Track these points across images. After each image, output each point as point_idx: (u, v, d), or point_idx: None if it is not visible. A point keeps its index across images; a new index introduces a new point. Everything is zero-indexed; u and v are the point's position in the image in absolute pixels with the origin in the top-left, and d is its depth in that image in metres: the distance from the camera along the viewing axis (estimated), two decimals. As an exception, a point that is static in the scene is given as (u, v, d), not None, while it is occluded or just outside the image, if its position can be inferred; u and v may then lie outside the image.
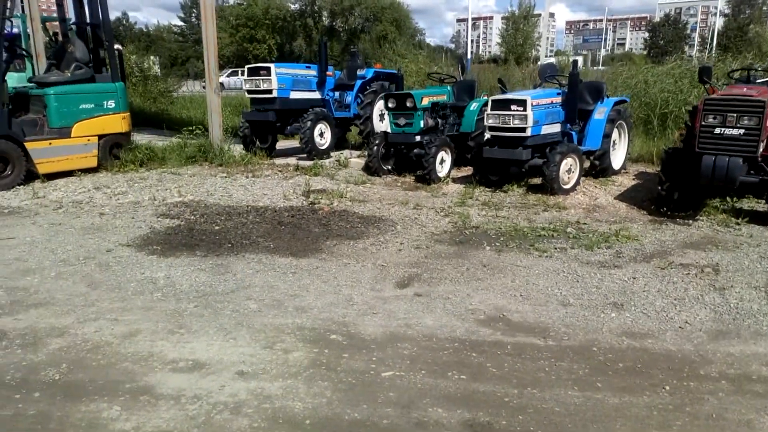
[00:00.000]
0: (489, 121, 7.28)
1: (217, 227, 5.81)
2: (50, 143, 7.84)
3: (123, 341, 3.33)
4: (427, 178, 7.97)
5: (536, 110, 7.07)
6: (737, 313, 3.77)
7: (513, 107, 7.06)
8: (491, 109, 7.25)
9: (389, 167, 8.68)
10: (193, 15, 59.82)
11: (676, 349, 3.29)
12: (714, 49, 42.75)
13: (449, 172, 8.37)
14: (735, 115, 5.67)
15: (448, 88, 9.18)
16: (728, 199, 6.77)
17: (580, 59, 17.19)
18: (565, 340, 3.40)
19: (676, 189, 6.38)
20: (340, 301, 3.97)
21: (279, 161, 9.51)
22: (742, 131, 5.67)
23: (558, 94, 7.66)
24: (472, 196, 7.22)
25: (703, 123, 5.87)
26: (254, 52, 46.79)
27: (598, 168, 8.20)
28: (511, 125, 7.08)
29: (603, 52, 66.00)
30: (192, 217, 6.14)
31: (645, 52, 61.19)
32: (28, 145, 7.60)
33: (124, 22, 65.73)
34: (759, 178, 5.94)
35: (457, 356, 3.20)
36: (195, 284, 4.25)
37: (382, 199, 7.09)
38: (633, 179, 8.42)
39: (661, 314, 3.76)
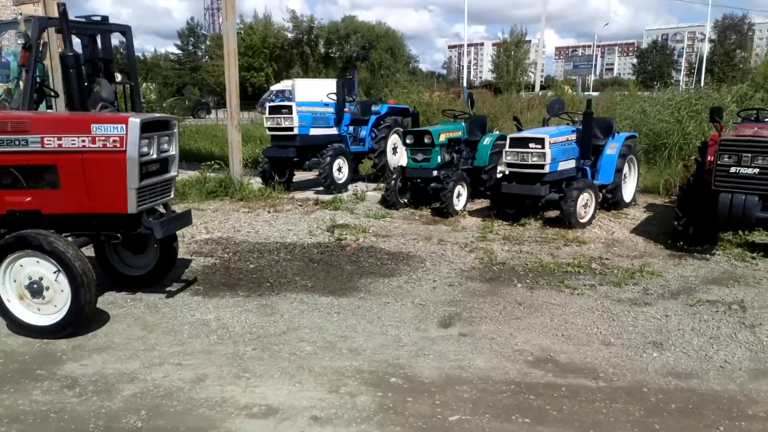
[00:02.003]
0: (507, 158, 7.54)
1: (251, 265, 5.96)
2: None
3: (193, 386, 3.46)
4: (444, 211, 8.18)
5: (554, 148, 7.34)
6: (772, 351, 3.96)
7: (531, 145, 7.32)
8: (509, 146, 7.52)
9: (406, 200, 8.90)
10: (190, 42, 60.59)
11: (721, 389, 3.46)
12: (703, 73, 43.87)
13: (465, 205, 8.59)
14: (750, 155, 5.95)
15: (462, 124, 9.47)
16: (740, 233, 7.02)
17: (592, 96, 17.54)
18: (615, 381, 3.57)
19: (692, 224, 6.62)
20: (390, 342, 4.12)
21: (298, 195, 9.71)
22: (757, 170, 5.94)
23: (573, 131, 7.95)
24: (491, 230, 7.43)
25: (719, 162, 6.14)
26: (251, 80, 47.33)
27: (610, 201, 8.46)
28: (530, 162, 7.34)
29: (592, 78, 67.33)
30: (225, 255, 6.29)
31: (634, 78, 62.61)
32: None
33: (122, 50, 66.30)
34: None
35: (516, 399, 3.35)
36: (246, 326, 4.39)
37: (405, 234, 7.28)
38: (644, 212, 8.68)
39: (700, 353, 3.94)
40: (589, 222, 7.62)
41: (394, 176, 8.74)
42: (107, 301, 4.89)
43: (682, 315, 4.61)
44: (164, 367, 3.71)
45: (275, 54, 50.85)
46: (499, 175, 8.74)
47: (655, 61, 78.59)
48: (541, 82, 38.45)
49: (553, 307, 4.79)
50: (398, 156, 10.60)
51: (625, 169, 8.63)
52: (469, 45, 44.20)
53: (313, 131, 9.69)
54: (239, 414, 3.17)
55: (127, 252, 5.18)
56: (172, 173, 4.65)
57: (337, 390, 3.44)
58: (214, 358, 3.84)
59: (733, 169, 6.06)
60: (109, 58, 8.83)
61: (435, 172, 8.45)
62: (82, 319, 4.09)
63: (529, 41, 61.51)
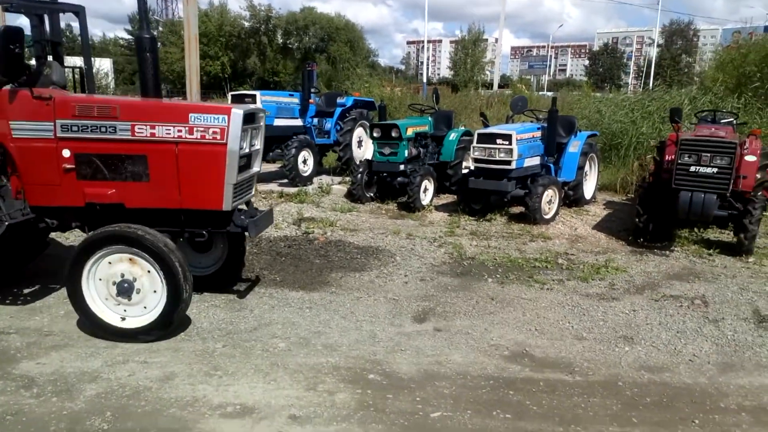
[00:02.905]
0: (475, 153, 7.56)
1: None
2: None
3: (162, 385, 3.28)
4: (411, 206, 8.14)
5: (520, 144, 7.40)
6: (736, 345, 4.09)
7: (499, 141, 7.36)
8: (477, 142, 7.53)
9: (372, 194, 8.81)
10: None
11: (692, 383, 3.55)
12: (652, 77, 45.50)
13: (432, 200, 8.58)
14: (709, 154, 6.15)
15: (429, 118, 9.44)
16: (696, 230, 7.28)
17: (556, 95, 17.89)
18: (590, 376, 3.60)
19: (652, 221, 6.81)
20: (365, 338, 4.04)
21: (261, 187, 9.46)
22: (715, 170, 6.14)
23: (538, 128, 8.04)
24: (458, 225, 7.44)
25: (679, 161, 6.32)
26: (207, 69, 46.07)
27: (572, 198, 8.62)
28: (497, 158, 7.38)
29: (547, 78, 68.89)
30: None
31: (586, 79, 64.47)
32: None
33: (68, 33, 63.37)
34: (728, 212, 6.44)
35: (496, 395, 3.33)
36: (215, 322, 4.22)
37: (373, 228, 7.20)
38: (604, 209, 8.89)
39: (669, 347, 4.03)
40: (553, 218, 7.74)
41: (361, 170, 8.64)
42: (62, 295, 4.60)
43: (649, 310, 4.72)
44: (129, 365, 3.51)
45: (231, 43, 49.65)
46: (465, 171, 8.77)
47: (606, 64, 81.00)
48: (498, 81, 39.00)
49: (524, 302, 4.82)
50: (363, 149, 10.50)
51: (587, 167, 8.81)
52: (428, 41, 44.35)
53: (278, 122, 9.46)
54: (213, 414, 3.03)
55: (187, 249, 4.64)
56: (257, 169, 4.35)
57: (314, 388, 3.33)
58: (183, 356, 3.66)
59: (692, 168, 6.25)
60: (57, 40, 8.33)
61: (402, 167, 8.40)
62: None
63: (486, 40, 62.28)
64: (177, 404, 3.11)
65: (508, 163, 7.35)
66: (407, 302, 4.75)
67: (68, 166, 3.83)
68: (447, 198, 9.09)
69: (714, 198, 6.17)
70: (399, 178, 8.47)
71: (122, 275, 3.71)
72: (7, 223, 3.89)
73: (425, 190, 8.36)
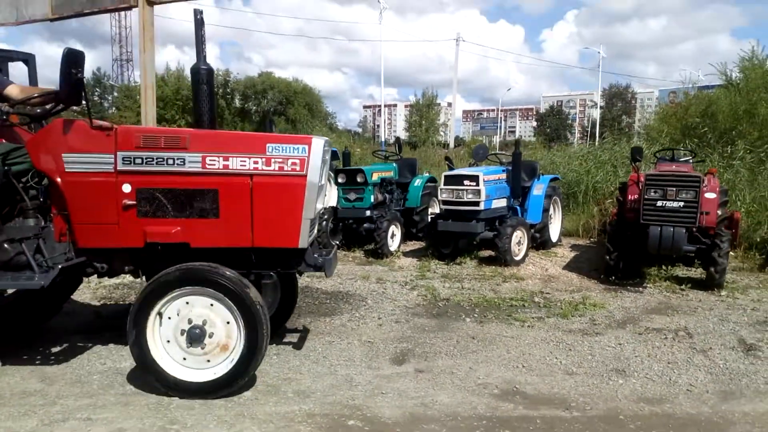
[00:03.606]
0: (443, 195, 7.45)
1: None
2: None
3: (108, 444, 2.82)
4: (379, 252, 7.88)
5: (487, 185, 7.35)
6: (730, 373, 3.91)
7: (466, 182, 7.29)
8: (444, 184, 7.45)
9: (338, 242, 8.52)
10: (96, 93, 58.10)
11: (696, 413, 3.31)
12: (597, 136, 47.80)
13: (399, 246, 8.35)
14: (675, 189, 6.20)
15: (394, 164, 9.36)
16: (664, 267, 7.26)
17: (520, 137, 18.49)
18: (588, 411, 3.33)
19: (622, 259, 6.75)
20: (341, 383, 3.66)
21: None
22: (682, 204, 6.19)
23: (503, 171, 8.04)
24: (429, 269, 7.20)
25: (646, 197, 6.35)
26: (163, 131, 45.72)
27: (539, 241, 8.55)
28: (465, 199, 7.28)
29: (498, 138, 71.48)
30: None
31: (534, 138, 67.16)
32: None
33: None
34: (696, 247, 6.45)
35: (491, 434, 3.01)
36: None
37: (341, 274, 6.87)
38: (571, 251, 8.84)
39: (663, 378, 3.81)
40: (523, 260, 7.61)
41: (326, 217, 8.38)
42: (-6, 351, 4.07)
43: (635, 343, 4.52)
44: (69, 423, 3.03)
45: (188, 106, 49.60)
46: (431, 217, 8.63)
47: (553, 124, 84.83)
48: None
49: (507, 340, 4.55)
50: (327, 197, 10.26)
51: (551, 210, 8.83)
52: (384, 105, 45.54)
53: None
54: (169, 473, 2.59)
55: None
56: (325, 204, 3.90)
57: (287, 437, 2.93)
58: (133, 410, 3.20)
59: (659, 203, 6.29)
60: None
61: (368, 212, 8.19)
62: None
63: (439, 104, 64.51)
64: (126, 464, 2.65)
65: (476, 204, 7.26)
66: (383, 344, 4.41)
67: (128, 203, 3.39)
68: (414, 244, 8.88)
69: (683, 231, 6.19)
70: (365, 225, 8.24)
71: (194, 320, 3.28)
72: (60, 266, 3.34)
73: (393, 235, 8.14)
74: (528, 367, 3.98)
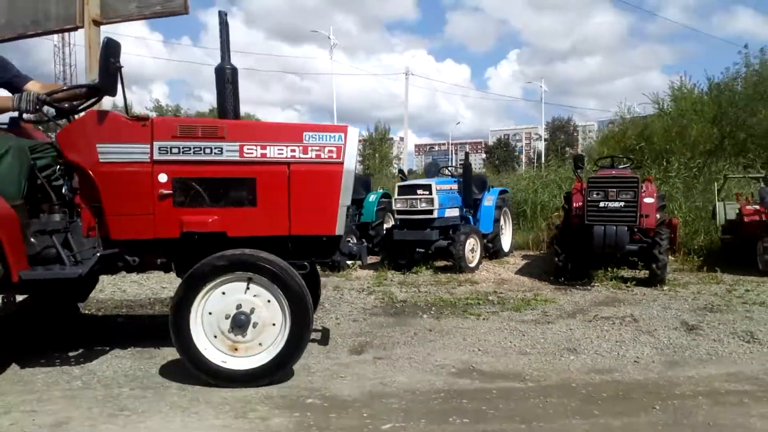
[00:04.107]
0: (398, 206, 7.57)
1: (120, 319, 5.14)
2: None
3: (53, 430, 2.69)
4: (335, 265, 7.86)
5: (440, 194, 7.53)
6: (674, 347, 4.10)
7: (419, 191, 7.45)
8: (398, 194, 7.58)
9: (293, 258, 8.45)
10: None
11: (643, 378, 3.45)
12: (543, 167, 49.73)
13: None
14: (615, 190, 6.53)
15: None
16: (610, 269, 7.55)
17: (467, 150, 19.06)
18: (542, 381, 3.41)
19: (570, 260, 7.00)
20: (299, 370, 3.61)
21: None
22: (622, 204, 6.52)
23: (455, 181, 8.26)
24: (386, 278, 7.25)
25: (589, 198, 6.66)
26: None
27: (491, 250, 8.76)
28: (419, 208, 7.42)
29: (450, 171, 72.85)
30: (98, 313, 5.38)
31: (485, 169, 69.05)
32: None
33: None
34: (638, 246, 6.77)
35: (449, 404, 3.04)
36: (120, 369, 3.63)
37: (296, 285, 6.81)
38: (522, 259, 9.08)
39: (612, 353, 3.96)
40: (477, 267, 7.77)
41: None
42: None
43: (584, 328, 4.68)
44: (12, 415, 2.87)
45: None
46: (386, 229, 8.72)
47: (501, 156, 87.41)
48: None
49: (463, 330, 4.62)
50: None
51: (502, 221, 9.08)
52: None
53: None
54: (120, 450, 2.49)
55: None
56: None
57: (244, 416, 2.87)
58: (80, 402, 3.06)
59: (602, 204, 6.60)
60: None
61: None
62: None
63: (392, 138, 65.54)
64: (73, 445, 2.53)
65: (430, 212, 7.41)
66: (342, 339, 4.40)
67: (164, 192, 3.32)
68: (370, 258, 8.90)
69: (625, 230, 6.49)
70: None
71: (239, 307, 3.21)
72: (99, 254, 3.26)
73: (348, 249, 8.14)
74: (484, 351, 4.05)
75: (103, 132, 3.29)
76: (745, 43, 54.73)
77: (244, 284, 3.23)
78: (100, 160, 3.29)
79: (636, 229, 6.77)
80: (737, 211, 8.54)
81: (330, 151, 3.43)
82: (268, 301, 3.24)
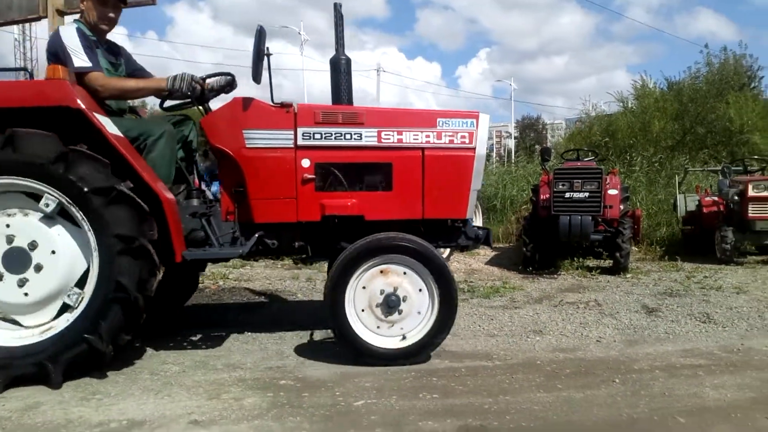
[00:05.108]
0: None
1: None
2: None
3: (24, 414, 2.67)
4: (309, 261, 7.88)
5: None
6: (634, 328, 4.28)
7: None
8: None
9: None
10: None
11: (604, 355, 3.61)
12: (513, 163, 50.51)
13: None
14: (580, 181, 6.73)
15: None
16: (576, 259, 7.77)
17: None
18: (509, 360, 3.53)
19: (538, 251, 7.19)
20: (272, 356, 3.67)
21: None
22: (587, 194, 6.72)
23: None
24: (358, 270, 7.30)
25: (555, 189, 6.85)
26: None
27: (462, 243, 8.89)
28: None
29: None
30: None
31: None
32: None
33: None
34: (603, 235, 6.99)
35: (420, 382, 3.12)
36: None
37: (269, 276, 6.84)
38: (493, 251, 9.25)
39: (576, 334, 4.11)
40: (448, 258, 7.87)
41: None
42: None
43: (551, 312, 4.83)
44: (-21, 400, 2.85)
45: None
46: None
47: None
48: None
49: (433, 316, 4.72)
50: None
51: (473, 214, 9.21)
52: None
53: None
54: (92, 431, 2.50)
55: None
56: None
57: (217, 397, 2.91)
58: (51, 387, 3.04)
59: (567, 194, 6.80)
60: None
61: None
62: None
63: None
64: (45, 428, 2.53)
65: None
66: (315, 326, 4.45)
67: (307, 177, 3.43)
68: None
69: (589, 219, 6.69)
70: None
71: (388, 288, 3.31)
72: (257, 234, 3.44)
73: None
74: (453, 334, 4.10)
75: (249, 118, 3.40)
76: (706, 43, 56.55)
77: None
78: (247, 146, 3.39)
79: (600, 219, 6.99)
80: (697, 203, 8.90)
81: (462, 137, 3.54)
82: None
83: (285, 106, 3.43)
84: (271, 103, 3.46)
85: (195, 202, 3.57)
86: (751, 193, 7.66)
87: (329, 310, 3.33)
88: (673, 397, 2.87)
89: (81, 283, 3.12)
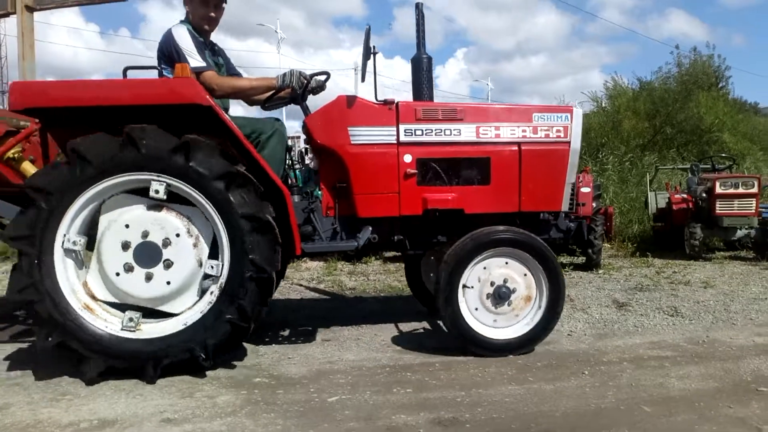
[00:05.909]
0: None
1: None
2: None
3: (-9, 415, 2.64)
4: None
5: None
6: (604, 322, 4.37)
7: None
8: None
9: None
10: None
11: (575, 348, 3.68)
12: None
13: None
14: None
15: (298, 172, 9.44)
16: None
17: None
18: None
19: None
20: (247, 354, 3.66)
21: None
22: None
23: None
24: (336, 268, 7.31)
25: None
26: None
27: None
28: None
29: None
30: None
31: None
32: None
33: None
34: (567, 226, 7.09)
35: (394, 377, 3.15)
36: (63, 359, 3.55)
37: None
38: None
39: (548, 329, 4.17)
40: (424, 256, 7.93)
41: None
42: None
43: (524, 308, 4.90)
44: (-56, 403, 2.79)
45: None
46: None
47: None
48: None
49: (411, 315, 4.74)
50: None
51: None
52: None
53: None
54: (63, 431, 2.47)
55: None
56: None
57: (191, 395, 2.90)
58: (19, 389, 3.00)
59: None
60: None
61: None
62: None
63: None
64: (14, 428, 2.50)
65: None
66: (290, 323, 4.45)
67: (410, 172, 3.54)
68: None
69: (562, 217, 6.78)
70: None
71: (499, 281, 3.42)
72: (370, 228, 3.56)
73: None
74: (430, 331, 4.20)
75: (354, 116, 3.50)
76: (677, 44, 57.71)
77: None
78: (352, 142, 3.49)
79: (573, 217, 7.09)
80: (667, 200, 9.10)
81: (558, 131, 3.65)
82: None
83: (387, 103, 3.54)
84: (375, 101, 3.55)
85: (296, 198, 3.62)
86: (718, 190, 7.86)
87: (442, 303, 3.39)
88: (639, 388, 2.95)
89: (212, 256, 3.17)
